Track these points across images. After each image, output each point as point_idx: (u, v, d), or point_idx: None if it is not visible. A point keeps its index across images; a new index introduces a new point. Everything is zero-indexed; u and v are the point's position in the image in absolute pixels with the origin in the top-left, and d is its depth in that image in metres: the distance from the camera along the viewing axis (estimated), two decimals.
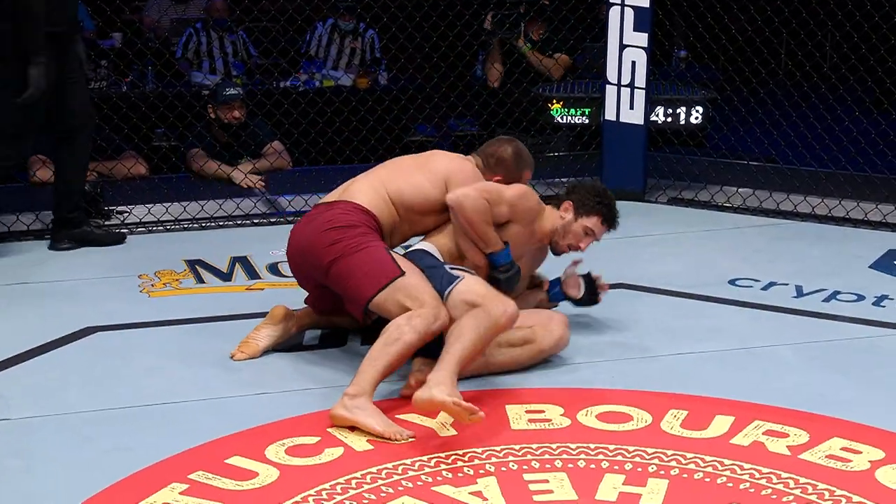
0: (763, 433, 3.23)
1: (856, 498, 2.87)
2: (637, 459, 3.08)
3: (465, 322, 3.42)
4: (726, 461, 3.06)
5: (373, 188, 3.75)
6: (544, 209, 3.89)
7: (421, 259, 3.70)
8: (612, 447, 3.15)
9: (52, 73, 4.74)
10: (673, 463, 3.06)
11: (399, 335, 3.38)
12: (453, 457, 3.09)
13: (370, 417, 3.24)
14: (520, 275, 3.83)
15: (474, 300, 3.49)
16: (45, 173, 5.92)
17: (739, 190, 6.02)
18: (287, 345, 3.91)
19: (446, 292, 3.54)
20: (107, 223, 5.50)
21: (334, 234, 3.60)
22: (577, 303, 4.05)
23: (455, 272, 3.63)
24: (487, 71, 6.33)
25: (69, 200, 5.12)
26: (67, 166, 5.12)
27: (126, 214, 5.60)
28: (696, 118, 6.18)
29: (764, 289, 4.58)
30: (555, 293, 4.05)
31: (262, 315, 3.96)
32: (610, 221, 3.90)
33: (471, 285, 3.57)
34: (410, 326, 3.39)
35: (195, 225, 5.59)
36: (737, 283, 4.66)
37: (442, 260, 3.73)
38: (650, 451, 3.12)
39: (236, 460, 3.07)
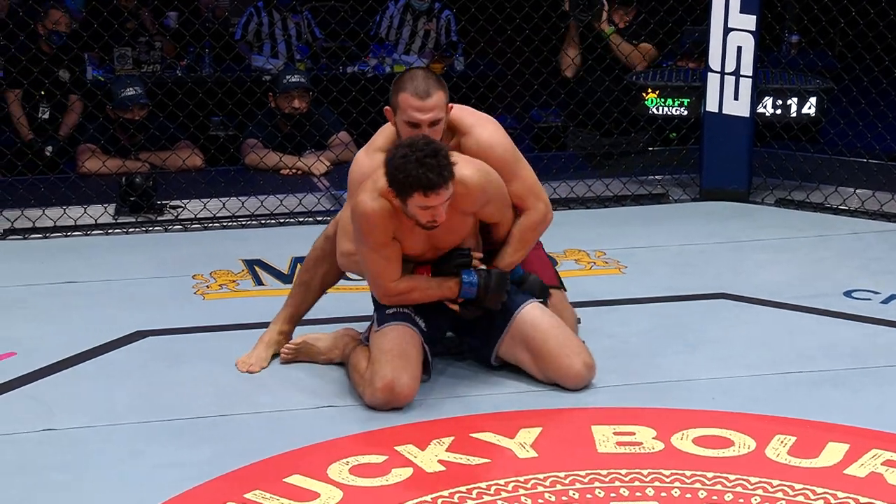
0: (882, 463, 3.19)
1: None
2: (738, 490, 3.05)
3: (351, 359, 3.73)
4: (840, 494, 3.03)
5: None
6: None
7: None
8: (710, 475, 3.13)
9: None
10: (779, 494, 3.03)
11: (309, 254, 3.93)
12: (533, 481, 3.09)
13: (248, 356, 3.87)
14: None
15: (368, 359, 3.62)
16: (94, 163, 6.05)
17: (857, 191, 5.93)
18: None
19: (373, 331, 3.65)
20: (159, 218, 5.59)
21: None
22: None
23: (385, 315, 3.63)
24: (561, 59, 6.31)
25: None
26: None
27: (180, 209, 5.67)
28: (810, 110, 6.11)
29: (884, 302, 4.52)
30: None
31: (323, 322, 4.00)
32: (430, 187, 3.31)
33: (385, 341, 3.57)
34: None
35: (254, 222, 5.64)
36: (853, 294, 4.60)
37: None
38: (753, 480, 3.10)
39: (296, 479, 3.10)
